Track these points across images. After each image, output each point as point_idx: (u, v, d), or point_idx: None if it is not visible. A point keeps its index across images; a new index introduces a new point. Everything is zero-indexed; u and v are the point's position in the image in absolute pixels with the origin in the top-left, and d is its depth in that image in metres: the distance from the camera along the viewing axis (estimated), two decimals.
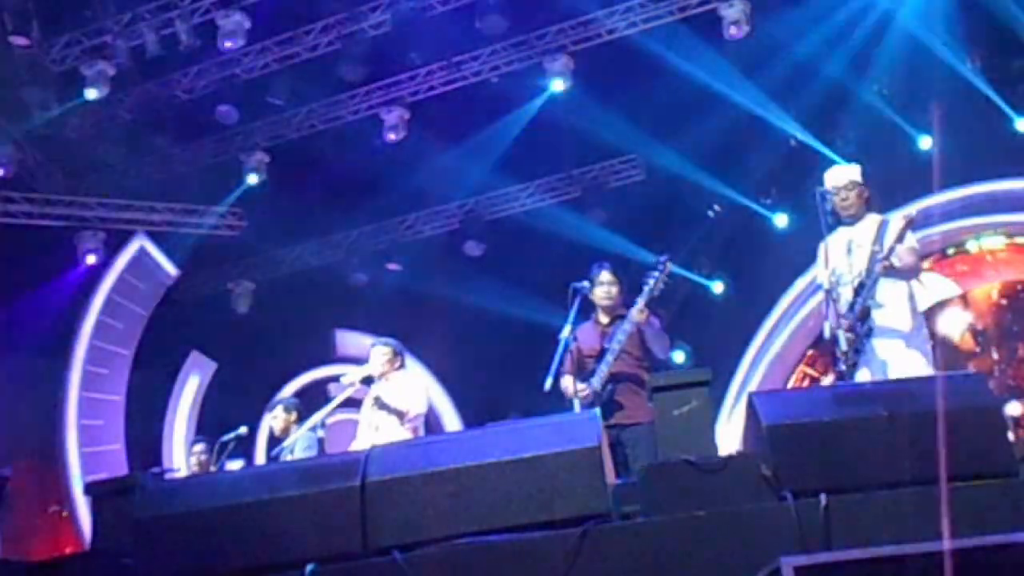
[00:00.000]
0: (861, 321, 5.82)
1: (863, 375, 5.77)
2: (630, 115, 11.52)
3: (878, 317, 5.84)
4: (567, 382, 6.45)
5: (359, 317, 12.98)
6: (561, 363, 6.35)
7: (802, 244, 6.32)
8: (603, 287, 6.68)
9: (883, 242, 5.88)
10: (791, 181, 12.05)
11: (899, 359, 5.77)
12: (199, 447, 8.84)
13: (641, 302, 6.43)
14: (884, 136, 11.60)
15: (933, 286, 5.96)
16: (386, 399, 7.35)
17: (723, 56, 11.05)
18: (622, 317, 6.55)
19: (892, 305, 5.87)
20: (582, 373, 6.50)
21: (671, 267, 6.51)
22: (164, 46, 10.82)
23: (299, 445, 7.86)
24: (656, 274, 6.47)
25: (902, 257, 5.83)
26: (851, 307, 5.86)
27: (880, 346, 5.82)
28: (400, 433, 7.20)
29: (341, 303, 13.72)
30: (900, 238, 5.79)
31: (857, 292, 5.87)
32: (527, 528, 4.11)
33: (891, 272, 5.80)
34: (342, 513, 4.24)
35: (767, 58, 11.05)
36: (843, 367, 5.84)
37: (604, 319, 6.72)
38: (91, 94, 10.99)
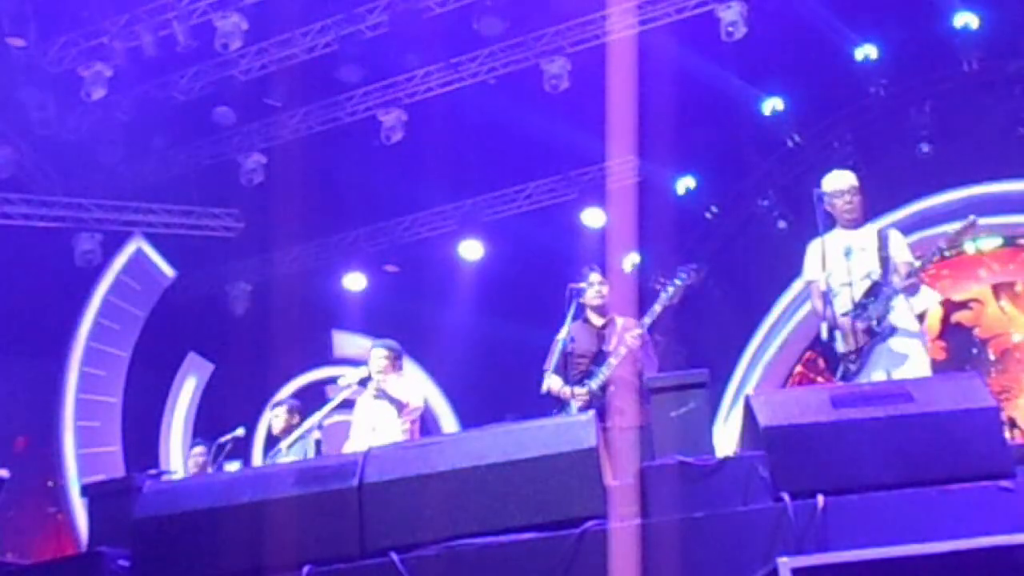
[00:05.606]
0: (878, 321, 5.80)
1: (862, 377, 5.78)
2: (628, 117, 11.49)
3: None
4: (553, 382, 6.42)
5: (356, 319, 12.97)
6: (558, 364, 6.35)
7: (800, 245, 6.31)
8: (593, 287, 6.68)
9: (888, 251, 5.90)
10: (789, 182, 12.06)
11: (899, 361, 5.77)
12: (198, 449, 8.83)
13: (648, 319, 6.42)
14: (883, 136, 11.60)
15: (922, 294, 6.00)
16: (387, 390, 7.32)
17: (721, 56, 11.05)
18: (614, 320, 6.55)
19: (893, 309, 5.88)
20: (576, 375, 6.48)
21: (695, 279, 6.47)
22: (162, 47, 10.82)
23: (298, 446, 7.84)
24: (678, 282, 6.45)
25: (903, 273, 5.85)
26: (862, 308, 5.85)
27: (881, 349, 5.83)
28: (398, 434, 7.19)
29: (338, 305, 13.70)
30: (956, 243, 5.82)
31: (871, 295, 5.85)
32: (524, 530, 4.10)
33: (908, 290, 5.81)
34: (339, 514, 4.24)
35: (765, 58, 11.04)
36: (842, 368, 5.84)
37: (597, 320, 6.70)
38: (88, 95, 10.99)
